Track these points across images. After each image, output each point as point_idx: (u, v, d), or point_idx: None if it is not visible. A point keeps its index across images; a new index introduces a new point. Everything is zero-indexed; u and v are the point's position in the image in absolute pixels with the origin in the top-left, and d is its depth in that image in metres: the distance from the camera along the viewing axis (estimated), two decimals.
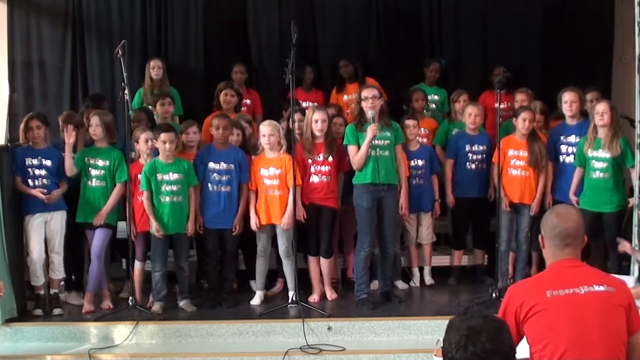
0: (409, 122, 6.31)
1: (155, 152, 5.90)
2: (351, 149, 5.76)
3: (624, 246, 4.87)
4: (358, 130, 5.76)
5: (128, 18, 7.72)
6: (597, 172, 5.76)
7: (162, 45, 7.75)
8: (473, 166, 6.42)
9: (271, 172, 5.83)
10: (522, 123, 6.02)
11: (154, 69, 6.91)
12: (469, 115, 6.41)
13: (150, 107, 6.78)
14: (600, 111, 5.69)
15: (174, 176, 5.74)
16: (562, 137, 6.11)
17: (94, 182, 5.91)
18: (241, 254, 6.41)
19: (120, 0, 7.71)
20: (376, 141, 5.68)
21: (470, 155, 6.40)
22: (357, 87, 6.69)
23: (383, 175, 5.67)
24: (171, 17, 7.76)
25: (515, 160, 6.06)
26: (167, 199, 5.74)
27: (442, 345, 2.30)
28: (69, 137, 5.75)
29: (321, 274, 6.05)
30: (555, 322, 2.75)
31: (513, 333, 2.82)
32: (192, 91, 7.26)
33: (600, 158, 5.74)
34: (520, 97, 6.58)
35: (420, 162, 6.36)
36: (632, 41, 5.57)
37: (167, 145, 5.71)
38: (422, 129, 6.62)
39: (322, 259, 6.00)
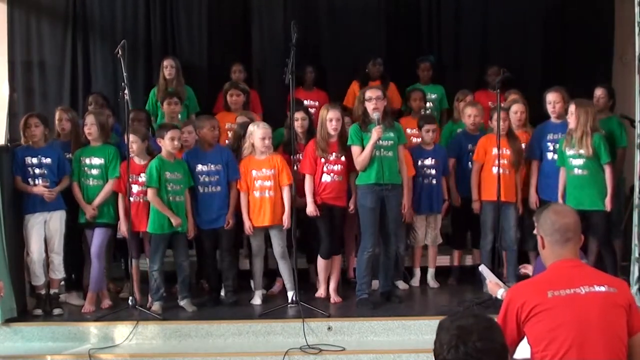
0: (429, 127, 6.33)
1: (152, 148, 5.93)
2: (355, 149, 5.75)
3: (525, 268, 4.83)
4: (362, 130, 5.75)
5: (131, 17, 7.73)
6: (576, 170, 5.78)
7: (170, 44, 7.75)
8: (472, 166, 6.42)
9: (264, 173, 5.83)
10: (495, 124, 6.02)
11: (167, 68, 6.93)
12: (468, 116, 6.44)
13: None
14: (569, 112, 5.75)
15: (178, 175, 5.76)
16: (548, 135, 6.13)
17: (92, 182, 5.92)
18: (246, 255, 6.42)
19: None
20: (380, 142, 5.67)
21: (471, 154, 6.41)
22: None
23: (387, 176, 5.66)
24: (177, 17, 7.76)
25: (497, 159, 6.05)
26: (170, 197, 5.74)
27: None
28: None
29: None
30: (556, 322, 2.75)
31: (514, 334, 2.82)
32: (196, 90, 7.26)
33: (576, 155, 5.76)
34: (512, 97, 6.58)
35: (434, 162, 6.37)
36: (632, 41, 5.57)
37: (176, 143, 5.74)
38: (416, 129, 6.64)
39: (333, 256, 5.99)
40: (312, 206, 5.84)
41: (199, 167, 5.88)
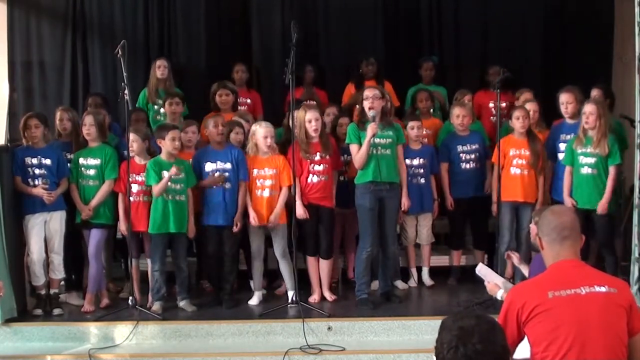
0: (413, 124, 6.33)
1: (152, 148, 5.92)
2: (353, 147, 5.76)
3: (511, 257, 4.98)
4: (360, 129, 5.76)
5: (130, 18, 7.74)
6: (586, 168, 5.77)
7: (165, 44, 7.76)
8: (467, 166, 6.44)
9: (266, 172, 5.83)
10: (516, 122, 6.04)
11: (160, 68, 6.90)
12: (457, 116, 6.43)
13: (156, 106, 6.79)
14: (587, 112, 5.72)
15: (178, 175, 5.75)
16: (561, 136, 6.12)
17: (89, 182, 5.92)
18: (242, 253, 6.42)
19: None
20: (378, 140, 5.68)
21: (463, 155, 6.43)
22: (376, 85, 6.70)
23: (385, 174, 5.67)
24: (174, 17, 7.77)
25: (517, 160, 6.07)
26: (171, 197, 5.74)
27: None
28: None
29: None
30: (556, 323, 2.75)
31: (514, 334, 2.82)
32: (194, 91, 7.26)
33: (588, 154, 5.76)
34: (525, 97, 6.56)
35: (421, 161, 6.36)
36: (632, 41, 5.57)
37: (176, 143, 5.73)
38: (424, 129, 6.61)
39: (321, 260, 5.99)
40: (301, 209, 5.82)
41: (208, 164, 5.87)
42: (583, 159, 5.78)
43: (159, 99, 6.85)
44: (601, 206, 5.69)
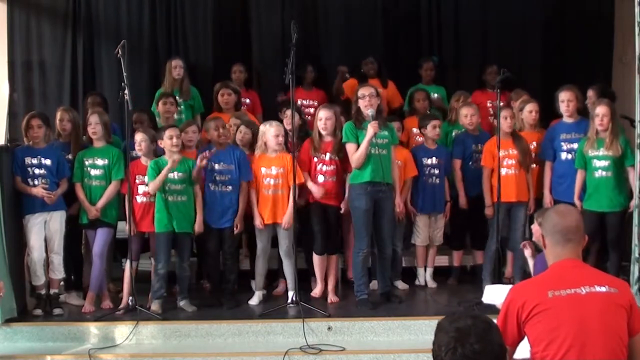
0: (435, 123, 6.32)
1: (159, 151, 5.93)
2: (350, 146, 5.73)
3: (526, 247, 4.90)
4: (357, 127, 5.74)
5: (136, 18, 7.76)
6: (600, 171, 5.76)
7: (173, 45, 7.76)
8: (474, 165, 6.42)
9: (274, 171, 5.83)
10: (503, 122, 6.02)
11: (176, 68, 6.91)
12: (465, 116, 6.43)
13: None
14: (600, 114, 5.71)
15: (178, 175, 5.75)
16: (561, 135, 6.11)
17: (94, 182, 5.91)
18: (247, 253, 6.42)
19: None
20: (376, 139, 5.66)
21: (475, 155, 6.41)
22: (379, 84, 6.71)
23: (385, 174, 5.65)
24: (181, 17, 7.77)
25: (507, 160, 6.05)
26: (172, 198, 5.73)
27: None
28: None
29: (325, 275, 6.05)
30: (556, 322, 2.75)
31: (514, 334, 2.82)
32: (201, 91, 7.26)
33: (601, 157, 5.74)
34: (523, 99, 6.55)
35: (437, 161, 6.35)
36: (632, 41, 5.57)
37: (174, 140, 5.70)
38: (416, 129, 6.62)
39: (328, 256, 5.99)
40: (315, 187, 5.82)
41: (210, 165, 5.86)
42: (596, 163, 5.76)
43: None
44: (633, 206, 5.69)
